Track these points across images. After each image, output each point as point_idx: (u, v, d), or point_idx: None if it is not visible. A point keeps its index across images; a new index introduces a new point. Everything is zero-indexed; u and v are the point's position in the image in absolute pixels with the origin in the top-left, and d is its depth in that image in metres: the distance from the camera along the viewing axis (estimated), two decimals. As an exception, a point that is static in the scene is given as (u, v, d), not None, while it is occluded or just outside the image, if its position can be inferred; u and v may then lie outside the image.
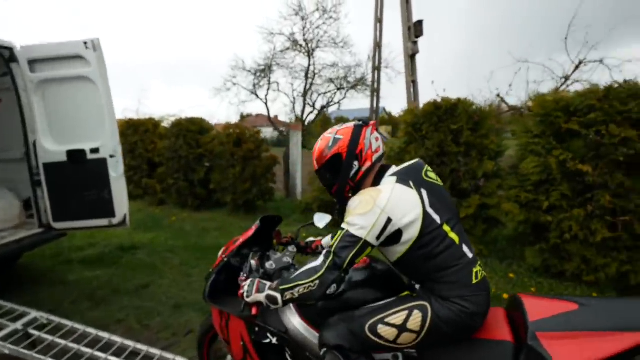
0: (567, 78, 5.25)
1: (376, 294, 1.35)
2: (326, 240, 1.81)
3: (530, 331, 1.10)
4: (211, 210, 6.40)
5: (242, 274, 1.50)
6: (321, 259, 1.21)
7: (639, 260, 2.73)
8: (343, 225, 1.22)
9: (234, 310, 1.52)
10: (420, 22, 6.18)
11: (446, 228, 1.22)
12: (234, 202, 5.84)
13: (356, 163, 1.32)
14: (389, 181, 1.27)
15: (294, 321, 1.45)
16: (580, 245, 2.91)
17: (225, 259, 1.60)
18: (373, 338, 1.22)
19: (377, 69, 7.14)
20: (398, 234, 1.18)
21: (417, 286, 1.31)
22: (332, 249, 1.19)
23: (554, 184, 3.02)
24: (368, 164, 1.32)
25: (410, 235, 1.18)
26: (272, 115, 7.90)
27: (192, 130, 6.47)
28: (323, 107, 7.24)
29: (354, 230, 1.17)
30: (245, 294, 1.31)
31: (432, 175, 1.35)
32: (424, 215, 1.19)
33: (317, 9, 6.86)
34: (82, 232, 3.64)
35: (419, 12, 6.19)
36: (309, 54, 7.01)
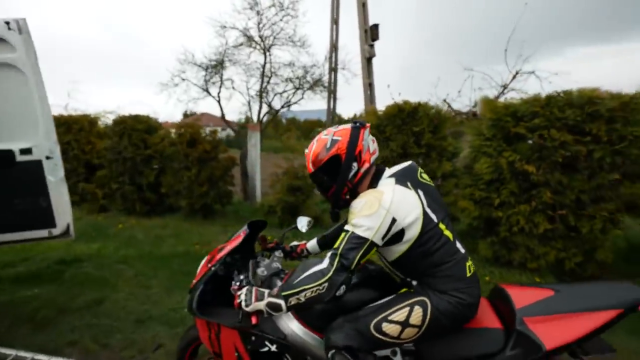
0: (505, 87, 5.83)
1: (373, 294, 1.37)
2: (311, 244, 1.81)
3: (517, 317, 1.21)
4: (163, 215, 5.96)
5: (233, 283, 1.45)
6: (326, 261, 1.21)
7: (571, 248, 3.15)
8: (347, 227, 1.22)
9: (229, 321, 1.45)
10: (376, 26, 6.41)
11: (441, 226, 1.29)
12: (190, 206, 5.51)
13: (355, 164, 1.32)
14: (388, 182, 1.30)
15: (293, 326, 1.42)
16: (525, 236, 3.27)
17: (213, 269, 1.52)
18: (378, 336, 1.25)
19: (333, 70, 7.25)
20: (401, 233, 1.23)
21: (414, 282, 1.35)
22: (339, 251, 1.19)
23: (504, 183, 3.35)
24: (366, 166, 1.33)
25: (412, 234, 1.23)
26: (222, 115, 7.56)
27: (137, 129, 5.96)
28: (282, 107, 7.13)
29: (360, 232, 1.18)
30: (243, 304, 1.27)
31: (425, 176, 1.41)
32: (423, 214, 1.24)
33: (274, 5, 6.73)
34: (11, 245, 3.15)
35: (375, 16, 6.41)
36: (265, 51, 6.85)
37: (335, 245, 1.21)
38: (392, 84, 6.21)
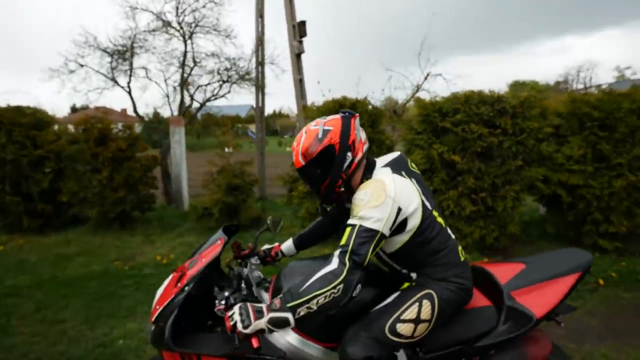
0: (418, 87, 6.47)
1: (374, 293, 1.32)
2: (286, 245, 1.68)
3: (505, 293, 1.29)
4: (63, 230, 4.97)
5: (217, 302, 1.28)
6: (335, 261, 1.11)
7: (490, 225, 3.68)
8: (353, 221, 1.14)
9: (219, 349, 1.24)
10: (303, 23, 6.43)
11: (435, 214, 1.30)
12: (102, 215, 4.70)
13: (349, 154, 1.26)
14: (384, 172, 1.27)
15: (291, 339, 1.28)
16: (454, 219, 3.69)
17: (187, 289, 1.28)
18: (394, 338, 1.20)
19: (260, 64, 7.03)
20: (404, 222, 1.20)
21: (413, 275, 1.33)
22: (349, 248, 1.10)
23: (435, 172, 3.72)
24: (360, 155, 1.29)
25: (414, 223, 1.21)
26: (134, 107, 6.65)
27: (21, 123, 4.84)
28: (208, 100, 6.57)
29: (369, 224, 1.12)
30: (240, 325, 1.07)
31: (414, 166, 1.42)
32: (422, 203, 1.25)
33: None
34: None
35: (299, 13, 6.43)
36: (185, 38, 6.25)
37: (342, 243, 1.12)
38: (310, 80, 6.33)
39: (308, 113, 4.10)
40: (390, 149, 4.14)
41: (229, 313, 1.11)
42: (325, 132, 1.25)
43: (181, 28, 6.14)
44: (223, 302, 1.27)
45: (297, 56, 6.48)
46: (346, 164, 1.26)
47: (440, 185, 3.68)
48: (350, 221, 1.16)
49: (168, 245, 4.25)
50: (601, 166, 3.52)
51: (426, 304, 1.22)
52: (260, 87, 7.01)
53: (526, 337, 1.29)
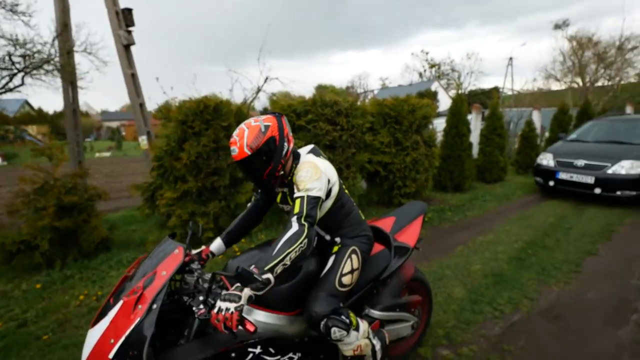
0: (259, 89, 7.04)
1: (316, 264, 1.64)
2: (216, 245, 1.74)
3: (391, 237, 1.96)
4: None
5: (195, 309, 1.29)
6: (295, 225, 1.38)
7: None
8: (300, 194, 1.45)
9: (217, 346, 1.30)
10: (129, 11, 5.67)
11: (343, 185, 1.79)
12: None
13: (286, 144, 1.55)
14: (309, 157, 1.63)
15: (260, 318, 1.43)
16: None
17: (154, 307, 1.21)
18: (343, 289, 1.58)
19: (68, 52, 5.70)
20: (330, 190, 1.59)
21: (337, 239, 1.72)
22: (304, 213, 1.40)
23: (297, 163, 4.39)
24: (291, 146, 1.60)
25: (335, 191, 1.63)
26: None
27: None
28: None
29: (314, 193, 1.45)
30: (233, 309, 1.15)
31: (323, 154, 1.86)
32: (337, 176, 1.71)
33: None
34: None
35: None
36: None
37: (297, 211, 1.40)
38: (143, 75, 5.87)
39: (174, 112, 3.86)
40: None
41: (215, 310, 1.16)
42: (267, 126, 1.49)
43: None
44: (201, 306, 1.29)
45: (125, 48, 5.67)
46: (284, 152, 1.54)
47: (302, 173, 4.40)
48: (297, 194, 1.46)
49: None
50: (398, 148, 5.18)
51: (354, 257, 1.65)
52: (70, 80, 5.70)
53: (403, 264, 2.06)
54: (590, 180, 5.59)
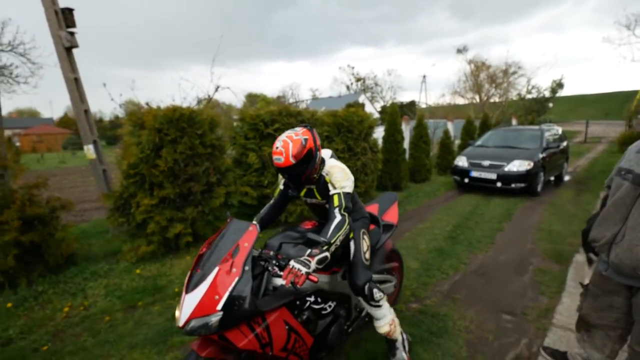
0: (210, 98, 7.21)
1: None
2: None
3: (379, 218, 2.55)
4: None
5: (270, 268, 1.68)
6: (337, 215, 1.78)
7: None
8: (337, 191, 1.85)
9: (281, 300, 1.68)
10: (70, 10, 5.41)
11: None
12: None
13: (318, 153, 1.90)
14: (334, 161, 2.02)
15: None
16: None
17: (247, 269, 1.55)
18: (367, 262, 2.01)
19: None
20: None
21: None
22: (343, 206, 1.81)
23: (267, 168, 4.80)
24: (321, 153, 1.98)
25: (353, 185, 1.98)
26: None
27: None
28: None
29: (347, 190, 1.87)
30: (304, 271, 1.51)
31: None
32: None
33: None
34: None
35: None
36: None
37: (336, 204, 1.80)
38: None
39: (150, 121, 3.91)
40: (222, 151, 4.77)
41: (290, 267, 1.51)
42: (306, 139, 1.81)
43: None
44: (276, 266, 1.67)
45: (67, 50, 5.39)
46: (317, 159, 1.89)
47: (271, 178, 4.82)
48: (334, 191, 1.85)
49: None
50: (351, 154, 5.94)
51: (365, 236, 2.08)
52: None
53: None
54: (493, 176, 7.12)
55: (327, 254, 1.66)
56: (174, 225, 4.01)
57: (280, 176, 2.17)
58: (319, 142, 1.94)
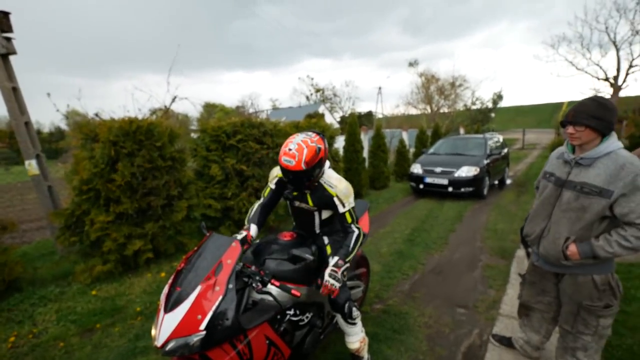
0: (167, 109, 7.02)
1: (311, 250, 2.08)
2: (253, 230, 2.00)
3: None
4: None
5: (254, 284, 1.64)
6: (354, 229, 1.98)
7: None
8: (347, 207, 1.95)
9: (265, 315, 1.70)
10: (5, 14, 5.02)
11: None
12: None
13: (326, 161, 1.98)
14: (331, 171, 2.06)
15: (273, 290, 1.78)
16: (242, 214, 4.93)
17: (231, 287, 1.51)
18: (345, 276, 1.94)
19: None
20: None
21: (325, 238, 2.15)
22: (355, 220, 1.99)
23: (230, 180, 4.78)
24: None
25: None
26: None
27: None
28: None
29: (353, 204, 1.99)
30: (337, 285, 1.80)
31: None
32: None
33: None
34: None
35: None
36: None
37: (349, 221, 1.97)
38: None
39: (104, 133, 3.73)
40: (183, 164, 4.67)
41: (329, 283, 1.78)
42: (319, 148, 1.84)
43: None
44: (259, 283, 1.63)
45: (3, 57, 4.97)
46: (323, 167, 1.94)
47: (235, 190, 4.80)
48: (344, 209, 1.95)
49: None
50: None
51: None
52: None
53: None
54: (445, 182, 7.67)
55: (347, 265, 1.89)
56: (133, 242, 3.84)
57: (271, 176, 2.19)
58: (328, 150, 2.05)
